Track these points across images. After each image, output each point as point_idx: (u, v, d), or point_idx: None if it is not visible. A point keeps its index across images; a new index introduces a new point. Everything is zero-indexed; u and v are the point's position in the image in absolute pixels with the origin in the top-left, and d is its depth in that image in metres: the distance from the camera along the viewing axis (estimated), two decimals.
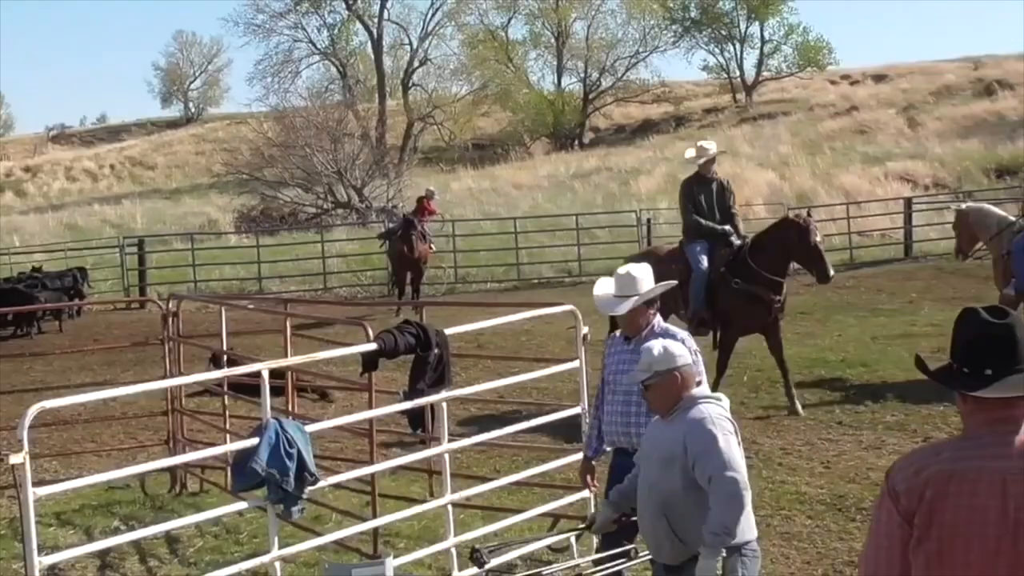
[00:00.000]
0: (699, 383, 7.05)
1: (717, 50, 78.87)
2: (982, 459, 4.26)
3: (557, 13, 77.11)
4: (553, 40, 78.20)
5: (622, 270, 8.36)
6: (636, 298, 8.21)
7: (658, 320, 8.27)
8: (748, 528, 6.80)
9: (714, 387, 15.02)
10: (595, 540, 7.35)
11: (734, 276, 15.57)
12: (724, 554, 6.51)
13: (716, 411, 6.80)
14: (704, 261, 15.94)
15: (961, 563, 4.21)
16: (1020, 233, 17.18)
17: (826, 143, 56.34)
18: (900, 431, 14.87)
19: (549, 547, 9.42)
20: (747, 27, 78.17)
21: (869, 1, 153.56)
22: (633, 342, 8.12)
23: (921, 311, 23.15)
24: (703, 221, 16.06)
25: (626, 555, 7.49)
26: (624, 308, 8.12)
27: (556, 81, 78.67)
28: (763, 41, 78.32)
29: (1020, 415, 4.29)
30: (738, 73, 78.35)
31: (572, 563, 7.53)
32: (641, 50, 77.39)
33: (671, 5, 77.85)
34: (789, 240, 15.66)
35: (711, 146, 16.87)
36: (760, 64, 78.32)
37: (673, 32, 78.02)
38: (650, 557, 7.12)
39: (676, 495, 6.64)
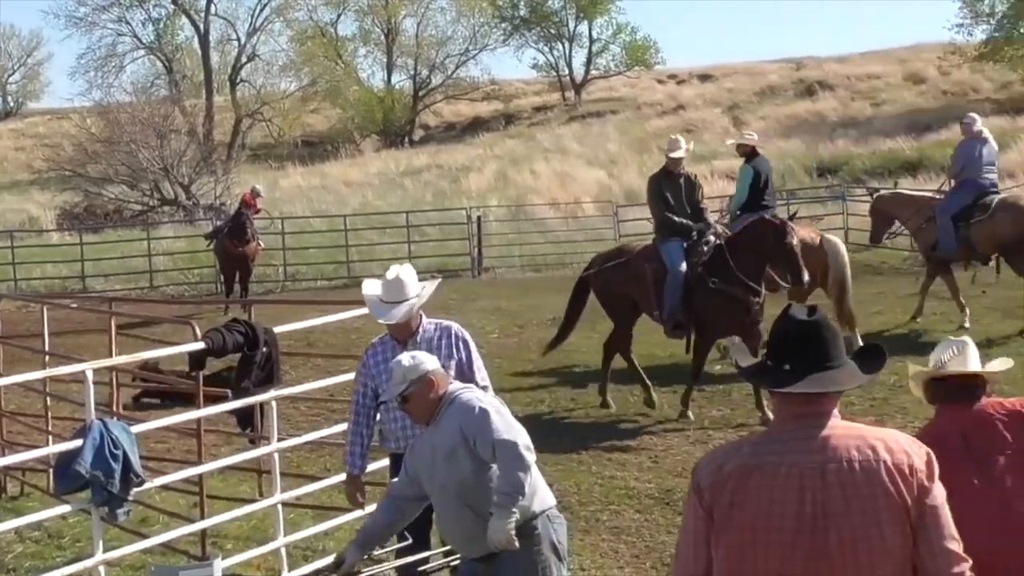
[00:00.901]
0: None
1: (546, 49, 79.34)
2: (782, 454, 4.35)
3: (387, 10, 76.88)
4: (383, 37, 77.95)
5: (391, 274, 8.24)
6: (412, 304, 8.18)
7: (424, 319, 8.33)
8: (546, 495, 7.00)
9: (686, 396, 15.50)
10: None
11: (711, 276, 14.91)
12: (516, 514, 6.57)
13: (478, 393, 6.99)
14: (680, 260, 15.30)
15: (760, 556, 4.30)
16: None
17: (653, 141, 56.81)
18: (725, 426, 15.12)
19: (368, 555, 9.38)
20: (576, 26, 78.74)
21: (695, 2, 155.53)
22: (409, 344, 8.09)
23: None
24: (676, 218, 15.55)
25: (426, 561, 7.48)
26: (400, 315, 8.10)
27: (386, 78, 78.52)
28: (592, 40, 78.99)
29: (823, 412, 4.39)
30: (567, 72, 78.79)
31: (410, 559, 7.48)
32: (471, 48, 77.54)
33: (500, 3, 78.01)
34: (765, 241, 14.90)
35: (682, 145, 16.26)
36: (589, 63, 78.89)
37: (503, 30, 78.26)
38: (455, 561, 7.16)
39: (468, 480, 6.70)
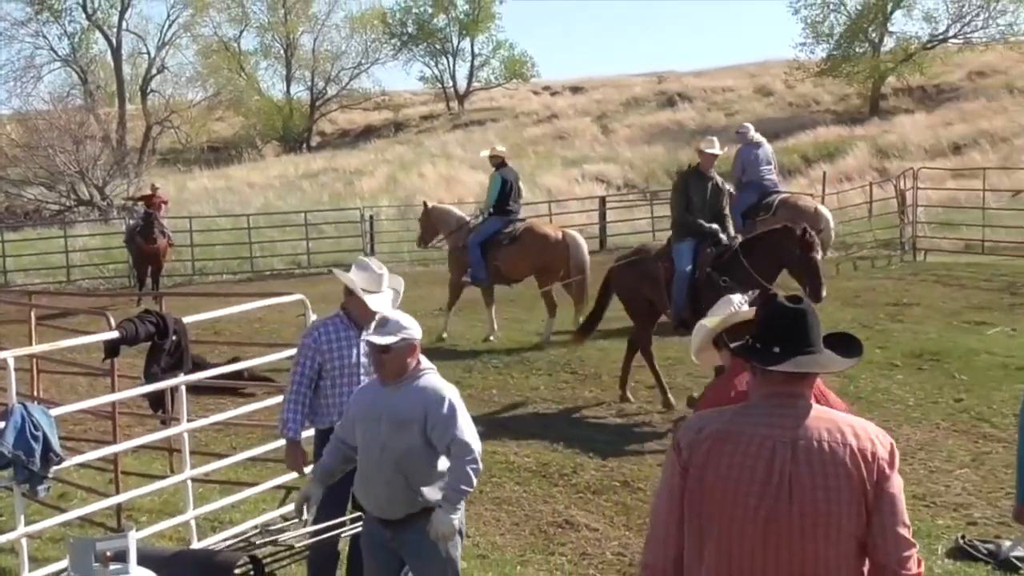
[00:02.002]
0: None
1: (432, 63, 79.31)
2: (757, 425, 4.41)
3: (286, 27, 76.40)
4: (282, 51, 77.44)
5: (376, 267, 8.26)
6: (398, 292, 8.25)
7: None
8: None
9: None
10: (307, 513, 7.20)
11: (723, 275, 13.89)
12: (461, 510, 6.68)
13: (443, 381, 6.90)
14: (688, 260, 14.46)
15: (726, 515, 4.35)
16: (474, 231, 19.62)
17: (530, 147, 57.11)
18: (596, 405, 15.22)
19: (282, 516, 9.33)
20: (459, 42, 78.80)
21: (567, 20, 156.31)
22: (361, 329, 8.07)
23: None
24: (691, 218, 14.57)
25: (341, 525, 7.46)
26: (395, 303, 8.17)
27: (285, 89, 77.97)
28: (473, 55, 79.17)
29: (799, 392, 4.44)
30: (451, 84, 78.85)
31: (299, 532, 7.46)
32: (363, 61, 77.33)
33: (390, 21, 77.94)
34: (787, 248, 13.80)
35: (716, 143, 15.35)
36: (471, 76, 79.04)
37: (392, 46, 78.12)
38: (357, 526, 7.15)
39: (415, 453, 6.67)
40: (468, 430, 6.70)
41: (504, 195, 19.49)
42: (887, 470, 4.30)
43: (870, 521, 4.29)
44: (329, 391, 8.17)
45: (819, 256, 13.99)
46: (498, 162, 19.99)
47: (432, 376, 6.85)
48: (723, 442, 4.41)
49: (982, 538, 10.41)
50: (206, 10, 75.63)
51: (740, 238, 14.79)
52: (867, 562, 4.34)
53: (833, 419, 4.39)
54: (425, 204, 22.45)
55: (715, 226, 14.51)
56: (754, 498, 4.31)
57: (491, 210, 19.65)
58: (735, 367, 6.42)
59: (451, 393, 6.79)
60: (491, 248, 19.32)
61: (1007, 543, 10.09)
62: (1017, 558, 9.84)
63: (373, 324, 6.94)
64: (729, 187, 17.40)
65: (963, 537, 10.42)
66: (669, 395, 14.80)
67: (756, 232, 15.34)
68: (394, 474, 6.68)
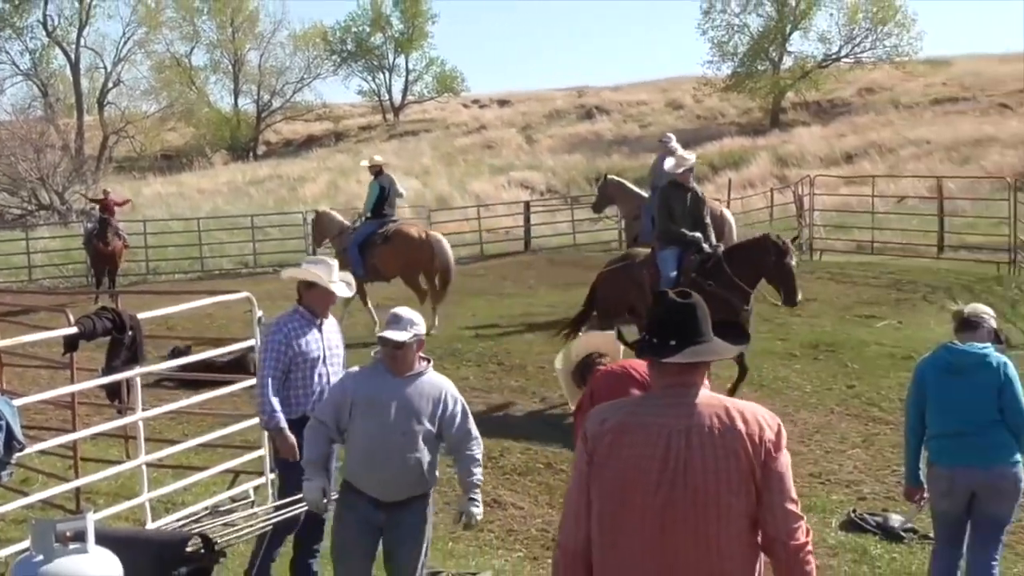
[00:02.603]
0: None
1: (370, 77, 79.03)
2: (655, 416, 4.40)
3: (234, 44, 75.74)
4: (230, 67, 76.71)
5: (330, 261, 8.26)
6: (351, 282, 8.26)
7: None
8: None
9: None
10: (270, 489, 7.16)
11: (707, 279, 13.25)
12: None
13: (443, 376, 7.03)
14: (673, 267, 13.91)
15: (628, 499, 4.36)
16: (354, 233, 20.19)
17: (460, 156, 57.10)
18: (522, 393, 15.26)
19: (231, 498, 9.27)
20: (394, 59, 78.56)
21: (495, 37, 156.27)
22: (323, 321, 8.14)
23: (538, 294, 23.68)
24: (674, 227, 14.06)
25: (299, 502, 7.40)
26: (352, 292, 8.37)
27: (233, 102, 77.23)
28: (408, 71, 78.94)
29: (692, 381, 4.44)
30: (387, 97, 78.61)
31: (257, 509, 7.42)
32: (306, 76, 76.80)
33: (331, 39, 77.57)
34: (766, 257, 13.54)
35: (691, 156, 15.15)
36: (405, 90, 78.81)
37: (333, 62, 77.74)
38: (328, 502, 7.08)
39: (428, 438, 6.75)
40: (475, 428, 6.96)
41: (380, 200, 20.12)
42: (774, 451, 4.31)
43: (760, 498, 4.30)
44: (300, 383, 8.04)
45: (793, 263, 13.75)
46: (376, 171, 20.50)
47: (437, 375, 6.94)
48: (623, 433, 4.41)
49: (871, 511, 10.56)
50: (159, 28, 74.90)
51: (723, 246, 14.46)
52: (760, 536, 4.36)
53: (724, 405, 4.39)
54: (316, 212, 23.56)
55: (698, 234, 14.05)
56: (653, 484, 4.32)
57: (368, 214, 20.21)
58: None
59: (456, 389, 6.97)
60: (368, 248, 19.79)
61: (894, 516, 10.24)
62: (903, 530, 10.00)
63: (387, 321, 6.80)
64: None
65: (854, 511, 10.57)
66: None
67: (743, 241, 14.88)
68: (407, 458, 6.69)
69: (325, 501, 6.88)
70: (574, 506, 4.56)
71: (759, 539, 4.36)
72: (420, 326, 6.72)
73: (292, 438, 7.93)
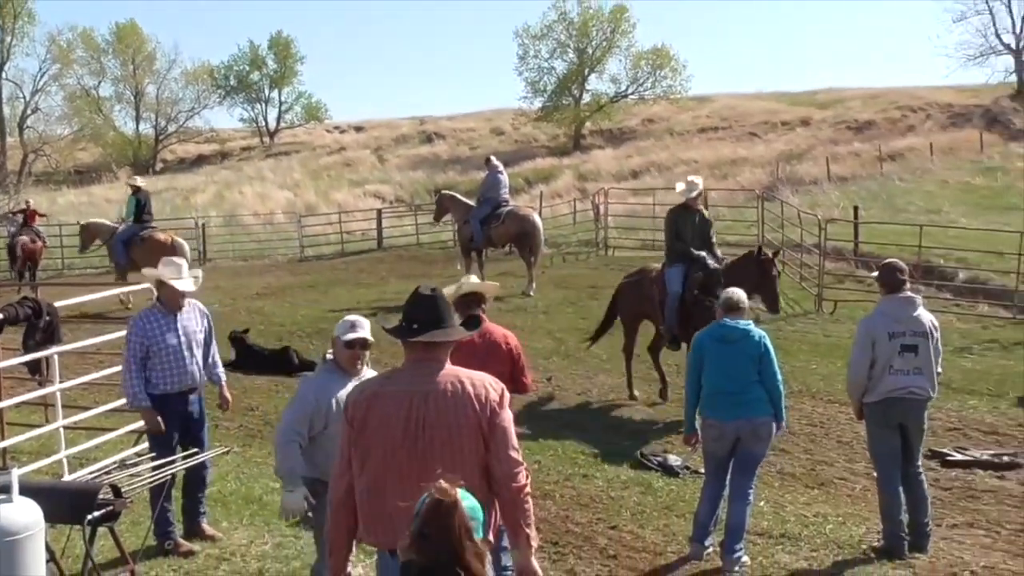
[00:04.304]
0: None
1: (249, 107, 77.30)
2: (401, 385, 4.43)
3: (135, 78, 73.33)
4: (132, 97, 74.22)
5: (177, 261, 7.94)
6: (198, 278, 8.00)
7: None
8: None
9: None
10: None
11: (708, 295, 11.76)
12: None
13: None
14: (678, 284, 12.67)
15: (379, 455, 4.38)
16: (119, 234, 21.62)
17: (324, 172, 56.45)
18: (376, 364, 14.98)
19: (136, 454, 9.00)
20: (270, 92, 77.06)
21: (353, 74, 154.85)
22: (179, 315, 7.81)
23: (389, 283, 23.56)
24: (681, 246, 12.73)
25: (173, 462, 7.19)
26: (196, 286, 7.90)
27: (135, 127, 74.85)
28: (281, 102, 77.49)
29: (435, 357, 4.45)
30: (264, 123, 77.14)
31: (143, 468, 7.18)
32: (196, 106, 74.85)
33: (217, 76, 75.80)
34: (752, 270, 12.23)
35: (699, 181, 13.48)
36: (279, 118, 77.35)
37: (218, 94, 75.95)
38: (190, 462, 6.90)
39: None
40: None
41: (139, 210, 21.46)
42: (497, 409, 4.35)
43: (488, 447, 4.34)
44: (159, 367, 7.73)
45: (776, 275, 12.46)
46: (135, 189, 21.90)
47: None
48: (376, 399, 4.44)
49: (654, 453, 10.77)
50: (71, 65, 72.06)
51: (725, 262, 12.92)
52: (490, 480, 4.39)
53: (458, 375, 4.42)
54: (81, 223, 24.96)
55: (702, 253, 12.71)
56: (399, 439, 4.35)
57: (131, 221, 21.53)
58: None
59: None
60: (130, 247, 21.11)
61: (672, 457, 10.46)
62: (678, 467, 10.23)
63: (350, 325, 6.12)
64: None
65: (641, 453, 10.76)
66: (634, 389, 13.38)
67: (735, 259, 13.13)
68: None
69: (305, 507, 6.17)
70: (338, 463, 4.57)
71: (489, 483, 4.38)
72: (368, 329, 6.24)
73: (155, 414, 7.73)
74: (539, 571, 4.50)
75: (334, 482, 4.58)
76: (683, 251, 12.70)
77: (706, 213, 13.25)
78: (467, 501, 3.38)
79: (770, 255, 12.64)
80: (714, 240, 13.15)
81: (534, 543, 4.47)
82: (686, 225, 12.80)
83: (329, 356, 6.24)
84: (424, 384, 4.38)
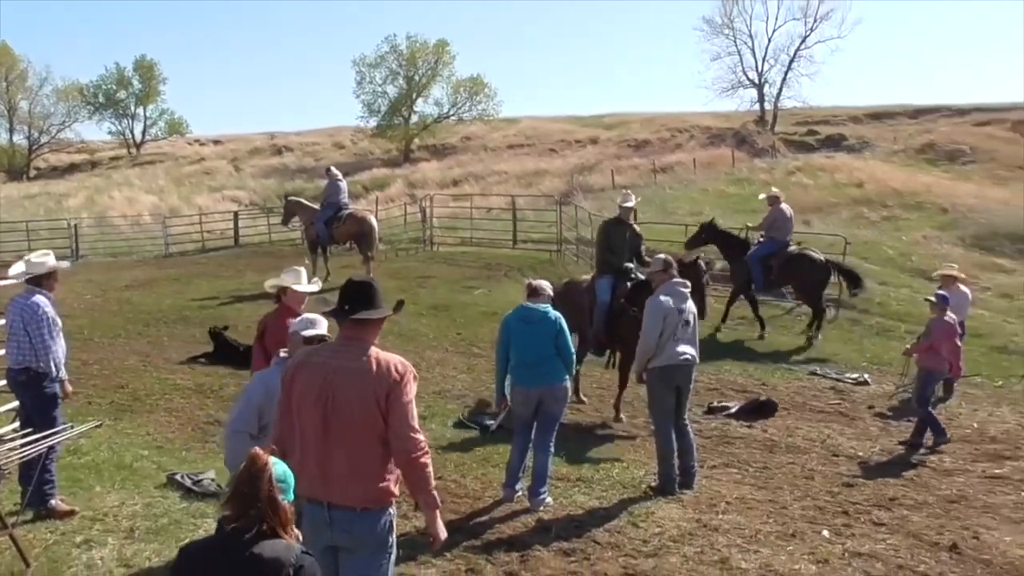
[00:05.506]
0: None
1: (117, 122, 73.66)
2: (326, 357, 4.41)
3: (8, 94, 68.87)
4: (6, 111, 69.62)
5: (34, 258, 7.42)
6: (53, 268, 7.51)
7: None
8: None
9: (617, 402, 11.26)
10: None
11: (633, 306, 10.55)
12: None
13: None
14: (607, 293, 11.42)
15: (304, 417, 4.35)
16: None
17: (186, 179, 54.43)
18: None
19: (13, 430, 8.47)
20: (136, 109, 73.67)
21: (211, 94, 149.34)
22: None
23: (245, 276, 22.90)
24: (612, 258, 11.57)
25: (47, 437, 6.79)
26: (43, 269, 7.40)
27: (9, 138, 70.34)
28: (146, 118, 74.21)
29: (361, 336, 4.41)
30: (131, 136, 73.70)
31: (21, 441, 6.79)
32: (67, 120, 70.91)
33: (86, 93, 71.92)
34: (692, 276, 10.28)
35: (632, 199, 12.22)
36: (144, 131, 74.10)
37: (88, 110, 72.15)
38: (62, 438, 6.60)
39: None
40: None
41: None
42: (399, 387, 4.28)
43: (388, 422, 4.28)
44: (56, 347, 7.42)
45: (706, 279, 10.71)
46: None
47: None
48: (302, 368, 4.43)
49: (478, 412, 10.84)
50: None
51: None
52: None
53: (370, 354, 4.35)
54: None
55: (631, 264, 11.61)
56: (317, 405, 4.33)
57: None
58: (283, 310, 6.63)
59: None
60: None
61: (488, 419, 10.51)
62: (493, 426, 10.30)
63: (309, 322, 5.48)
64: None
65: (462, 415, 10.83)
66: (581, 394, 12.01)
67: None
68: None
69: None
70: (277, 417, 4.60)
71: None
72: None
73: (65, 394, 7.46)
74: (442, 528, 4.45)
75: (272, 429, 4.65)
76: (613, 262, 11.58)
77: (637, 228, 12.08)
78: (278, 467, 3.33)
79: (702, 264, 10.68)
80: (644, 253, 11.83)
81: (435, 505, 4.42)
82: (617, 238, 11.70)
83: (283, 354, 5.68)
84: (339, 359, 4.35)
